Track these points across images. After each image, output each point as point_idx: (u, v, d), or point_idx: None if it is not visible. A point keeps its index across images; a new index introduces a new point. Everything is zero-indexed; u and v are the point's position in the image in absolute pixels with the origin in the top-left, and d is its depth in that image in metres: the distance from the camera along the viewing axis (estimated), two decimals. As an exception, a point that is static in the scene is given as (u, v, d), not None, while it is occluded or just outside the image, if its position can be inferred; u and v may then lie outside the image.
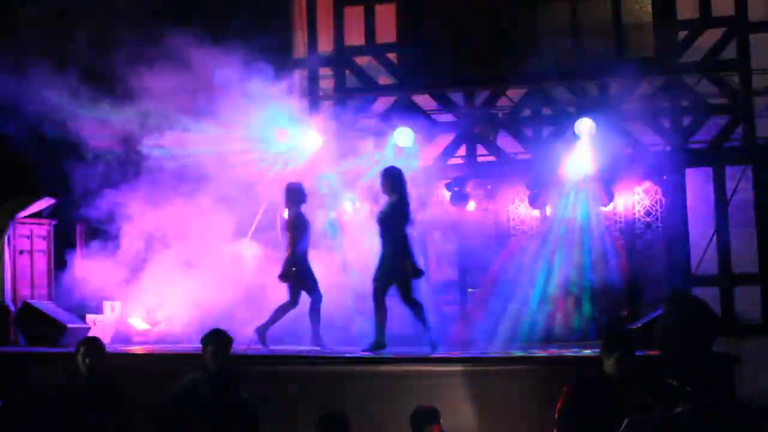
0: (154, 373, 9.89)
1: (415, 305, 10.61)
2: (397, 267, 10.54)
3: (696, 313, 9.72)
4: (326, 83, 14.69)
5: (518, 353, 10.85)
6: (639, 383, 7.73)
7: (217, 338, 8.28)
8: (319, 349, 11.18)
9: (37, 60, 12.70)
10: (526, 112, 14.15)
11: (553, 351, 11.24)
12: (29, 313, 12.39)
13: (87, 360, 8.37)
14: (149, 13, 13.18)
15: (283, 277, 11.33)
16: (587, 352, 10.48)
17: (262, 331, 11.28)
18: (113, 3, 13.48)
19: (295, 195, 11.58)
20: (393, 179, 10.80)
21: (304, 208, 11.63)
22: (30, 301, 12.74)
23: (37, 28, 13.41)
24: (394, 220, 10.64)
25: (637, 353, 8.00)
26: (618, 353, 7.73)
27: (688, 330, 9.46)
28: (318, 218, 12.73)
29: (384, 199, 11.04)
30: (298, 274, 11.33)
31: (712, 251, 13.25)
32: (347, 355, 10.67)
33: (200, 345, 8.35)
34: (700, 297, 10.61)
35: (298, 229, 11.43)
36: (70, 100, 12.59)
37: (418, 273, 10.59)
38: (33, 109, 12.52)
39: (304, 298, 11.41)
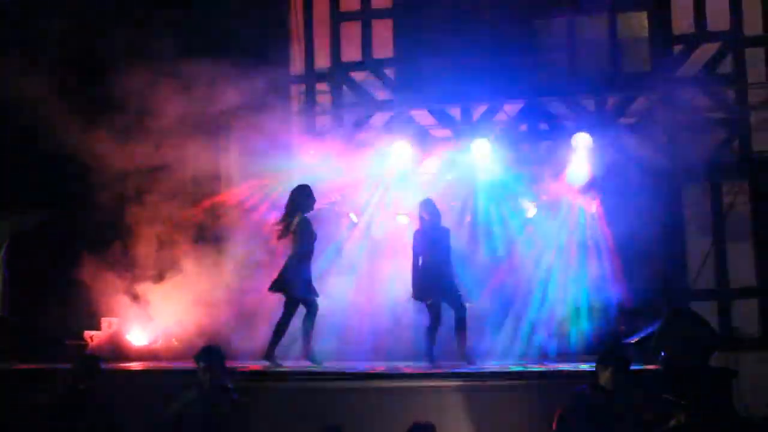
0: (152, 390, 9.86)
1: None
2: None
3: (694, 327, 9.73)
4: (324, 98, 14.70)
5: (515, 368, 10.84)
6: (636, 397, 7.75)
7: (209, 355, 8.29)
8: (311, 364, 11.14)
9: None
10: (523, 127, 14.16)
11: (550, 365, 11.23)
12: (25, 329, 12.38)
13: (83, 376, 8.36)
14: (145, 27, 13.21)
15: (272, 287, 11.19)
16: (584, 366, 10.47)
17: (269, 354, 11.13)
18: (108, 18, 13.51)
19: (300, 200, 11.39)
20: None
21: (311, 215, 11.41)
22: (28, 315, 12.75)
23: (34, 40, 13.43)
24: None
25: (634, 367, 8.01)
26: (613, 367, 7.75)
27: (685, 344, 9.46)
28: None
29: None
30: (293, 283, 11.15)
31: (709, 265, 13.25)
32: (343, 370, 10.66)
33: (194, 362, 8.35)
34: (697, 311, 10.61)
35: (299, 235, 11.21)
36: (67, 113, 12.62)
37: None
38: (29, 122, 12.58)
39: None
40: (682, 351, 9.50)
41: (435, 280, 11.21)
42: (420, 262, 11.30)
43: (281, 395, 9.94)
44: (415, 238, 11.43)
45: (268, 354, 11.08)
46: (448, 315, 11.32)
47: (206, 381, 8.16)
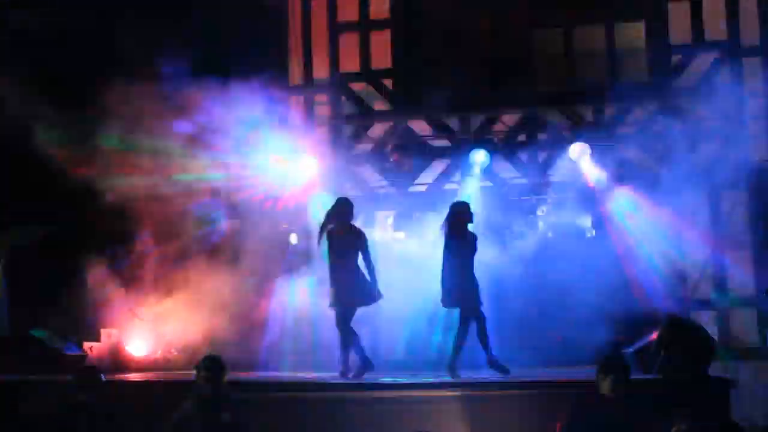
0: (153, 401, 9.86)
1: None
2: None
3: (692, 336, 9.74)
4: (322, 109, 14.73)
5: (514, 377, 10.84)
6: (635, 406, 7.75)
7: (209, 365, 8.28)
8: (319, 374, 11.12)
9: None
10: (522, 137, 14.19)
11: (550, 374, 11.23)
12: (26, 340, 12.37)
13: (83, 388, 8.37)
14: (142, 40, 13.24)
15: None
16: (584, 375, 10.46)
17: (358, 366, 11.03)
18: (105, 30, 13.55)
19: (337, 211, 11.18)
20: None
21: (340, 225, 11.13)
22: (27, 327, 12.74)
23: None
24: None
25: (633, 377, 8.02)
26: (613, 376, 7.76)
27: (684, 354, 9.47)
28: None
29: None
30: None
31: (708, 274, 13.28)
32: (342, 380, 10.67)
33: (194, 372, 8.36)
34: (696, 320, 10.63)
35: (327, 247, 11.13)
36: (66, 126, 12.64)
37: None
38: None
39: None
40: (681, 360, 9.50)
41: (465, 285, 10.95)
42: (449, 266, 11.00)
43: (283, 406, 9.94)
44: (445, 243, 11.10)
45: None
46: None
47: (207, 392, 8.15)
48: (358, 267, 10.88)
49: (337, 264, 10.93)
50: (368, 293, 10.91)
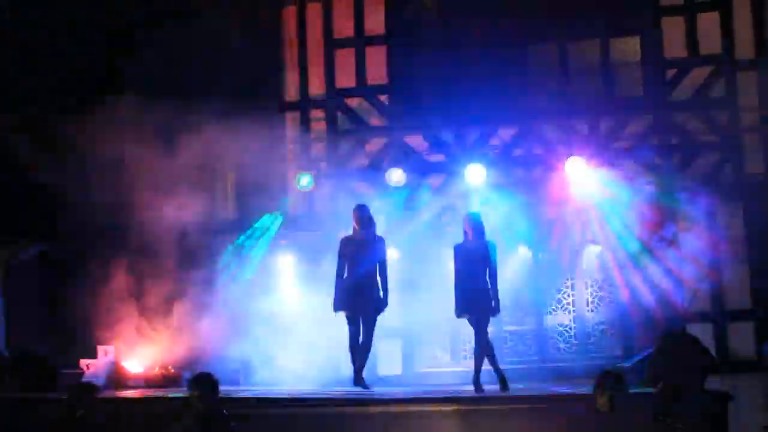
0: (148, 417, 9.85)
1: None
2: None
3: (689, 350, 9.73)
4: (318, 125, 14.75)
5: (512, 392, 10.83)
6: (634, 421, 7.75)
7: (202, 382, 8.26)
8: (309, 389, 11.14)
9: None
10: (517, 152, 14.20)
11: (547, 389, 11.22)
12: (23, 359, 12.35)
13: (79, 404, 8.36)
14: (136, 56, 13.28)
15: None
16: (581, 390, 10.46)
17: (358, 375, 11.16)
18: (99, 48, 13.58)
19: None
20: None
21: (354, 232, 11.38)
22: (25, 345, 12.73)
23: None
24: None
25: (631, 391, 8.02)
26: (610, 392, 7.76)
27: (681, 367, 9.45)
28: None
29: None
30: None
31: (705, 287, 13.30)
32: (338, 396, 10.67)
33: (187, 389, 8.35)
34: (693, 334, 10.61)
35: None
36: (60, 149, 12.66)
37: None
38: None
39: None
40: (678, 374, 9.49)
41: (472, 296, 10.88)
42: (460, 277, 10.96)
43: (282, 421, 9.94)
44: (455, 253, 11.11)
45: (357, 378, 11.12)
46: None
47: (200, 408, 8.13)
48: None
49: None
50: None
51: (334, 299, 11.12)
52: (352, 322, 11.09)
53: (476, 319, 10.81)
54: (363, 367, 11.07)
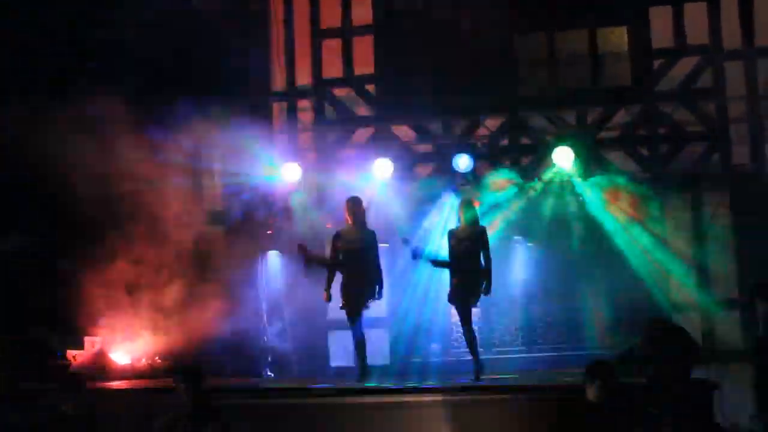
0: (136, 409, 9.85)
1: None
2: None
3: (675, 339, 9.74)
4: (305, 115, 14.73)
5: (503, 382, 10.86)
6: (622, 411, 7.77)
7: (187, 374, 8.26)
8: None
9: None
10: (505, 142, 14.21)
11: (537, 380, 11.25)
12: (12, 350, 12.33)
13: (66, 396, 8.34)
14: (121, 48, 13.24)
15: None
16: (570, 380, 10.49)
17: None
18: (84, 38, 13.53)
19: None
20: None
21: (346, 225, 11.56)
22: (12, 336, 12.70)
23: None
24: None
25: (618, 381, 8.04)
26: (599, 381, 7.78)
27: (667, 357, 9.47)
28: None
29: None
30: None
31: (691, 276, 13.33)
32: (331, 386, 10.67)
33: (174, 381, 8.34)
34: (679, 323, 10.63)
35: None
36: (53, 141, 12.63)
37: None
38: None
39: None
40: (664, 363, 9.50)
41: (462, 281, 11.16)
42: (455, 263, 11.23)
43: (271, 412, 9.94)
44: (448, 238, 11.46)
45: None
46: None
47: (187, 400, 8.13)
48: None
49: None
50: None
51: (328, 291, 11.22)
52: (352, 321, 11.13)
53: (462, 307, 11.11)
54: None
